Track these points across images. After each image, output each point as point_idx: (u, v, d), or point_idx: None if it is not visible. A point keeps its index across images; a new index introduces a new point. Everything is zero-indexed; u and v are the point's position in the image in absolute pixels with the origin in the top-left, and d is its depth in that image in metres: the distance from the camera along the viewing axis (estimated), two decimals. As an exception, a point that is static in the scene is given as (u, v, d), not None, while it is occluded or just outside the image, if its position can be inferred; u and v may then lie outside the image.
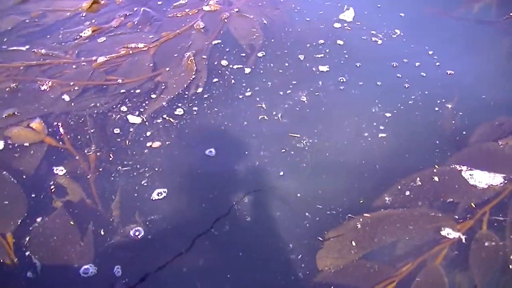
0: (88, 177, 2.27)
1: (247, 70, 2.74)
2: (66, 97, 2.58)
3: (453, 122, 2.48)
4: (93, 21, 3.07)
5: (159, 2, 3.25)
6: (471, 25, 3.10)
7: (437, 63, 2.81)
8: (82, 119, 2.49)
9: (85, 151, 2.36)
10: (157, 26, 3.04)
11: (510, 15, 3.12)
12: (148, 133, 2.44)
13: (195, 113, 2.53)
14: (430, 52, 2.88)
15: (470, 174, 2.25)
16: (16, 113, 2.49)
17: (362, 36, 2.99)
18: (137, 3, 3.23)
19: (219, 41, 2.93)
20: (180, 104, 2.57)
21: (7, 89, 2.61)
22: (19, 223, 2.10)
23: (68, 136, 2.42)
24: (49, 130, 2.44)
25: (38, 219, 2.10)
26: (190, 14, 3.10)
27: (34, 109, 2.52)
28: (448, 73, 2.75)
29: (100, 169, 2.30)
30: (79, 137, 2.42)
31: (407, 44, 2.95)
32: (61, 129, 2.44)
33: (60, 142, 2.39)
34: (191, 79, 2.67)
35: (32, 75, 2.68)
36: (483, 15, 3.16)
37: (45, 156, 2.35)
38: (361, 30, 3.04)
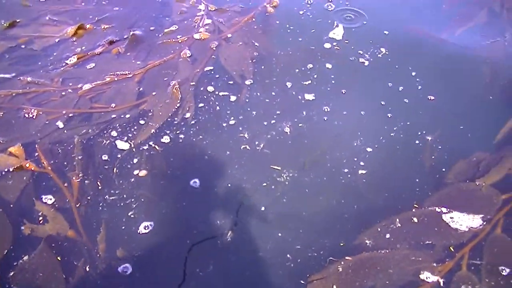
0: (77, 206, 2.22)
1: (233, 98, 2.67)
2: (52, 125, 2.51)
3: (433, 157, 2.41)
4: (83, 48, 2.96)
5: (151, 28, 3.13)
6: (453, 49, 3.00)
7: (419, 87, 2.74)
8: (70, 147, 2.42)
9: (72, 179, 2.30)
10: (145, 53, 2.94)
11: (493, 40, 3.03)
12: (135, 160, 2.38)
13: (180, 140, 2.47)
14: (413, 74, 2.81)
15: (450, 217, 2.19)
16: (0, 141, 2.42)
17: (350, 57, 2.91)
18: (124, 29, 3.12)
19: (208, 68, 2.83)
20: (166, 132, 2.50)
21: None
22: (5, 253, 2.05)
23: (54, 164, 2.36)
24: (34, 157, 2.38)
25: (24, 252, 2.05)
26: (180, 41, 2.99)
27: (19, 136, 2.46)
28: (429, 98, 2.68)
29: (88, 197, 2.25)
30: (65, 163, 2.37)
31: (391, 65, 2.87)
32: (47, 157, 2.37)
33: (49, 169, 2.33)
34: (176, 107, 2.59)
35: (18, 103, 2.60)
36: (465, 40, 3.06)
37: (29, 184, 2.29)
38: (349, 50, 2.96)
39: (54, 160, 2.38)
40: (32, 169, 2.33)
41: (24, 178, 2.30)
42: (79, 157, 2.37)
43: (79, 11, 3.27)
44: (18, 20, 3.13)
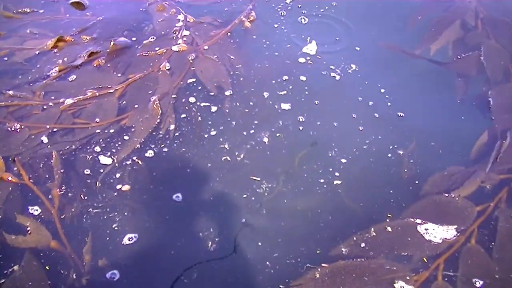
0: (61, 217, 2.22)
1: (214, 109, 2.70)
2: (35, 139, 2.51)
3: (405, 170, 2.45)
4: (65, 59, 2.94)
5: (132, 38, 3.13)
6: (425, 64, 3.04)
7: (389, 103, 2.77)
8: (51, 161, 2.42)
9: (53, 192, 2.30)
10: (125, 65, 2.93)
11: (462, 56, 3.07)
12: (118, 175, 2.39)
13: (163, 154, 2.48)
14: (382, 91, 2.83)
15: (424, 228, 2.23)
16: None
17: (322, 71, 2.95)
18: (105, 39, 3.11)
19: (188, 81, 2.85)
20: (148, 146, 2.51)
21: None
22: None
23: (36, 177, 2.37)
24: (14, 170, 2.38)
25: (10, 263, 2.06)
26: (159, 53, 2.99)
27: (0, 149, 2.45)
28: (399, 115, 2.71)
29: (72, 210, 2.26)
30: (47, 177, 2.37)
31: (361, 80, 2.91)
32: (28, 170, 2.38)
33: (29, 182, 2.34)
34: (157, 122, 2.60)
35: (0, 117, 2.59)
36: (439, 54, 3.09)
37: (11, 196, 2.30)
38: (321, 65, 2.99)
39: (35, 173, 2.38)
40: (13, 181, 2.33)
41: (6, 190, 2.30)
42: (60, 171, 2.37)
43: (62, 22, 3.28)
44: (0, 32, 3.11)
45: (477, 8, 3.41)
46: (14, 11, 3.32)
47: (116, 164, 2.43)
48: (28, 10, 3.34)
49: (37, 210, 2.25)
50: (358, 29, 3.28)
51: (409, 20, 3.36)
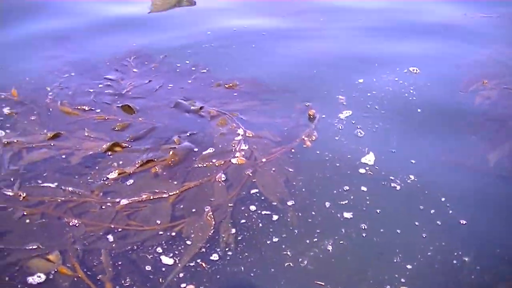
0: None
1: (275, 217, 2.81)
2: (91, 235, 2.66)
3: (472, 277, 2.51)
4: (120, 163, 3.16)
5: (189, 150, 3.32)
6: (483, 176, 3.21)
7: (450, 211, 2.88)
8: (101, 257, 2.54)
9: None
10: (183, 174, 3.11)
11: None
12: (181, 275, 2.48)
13: (227, 257, 2.58)
14: (443, 199, 2.96)
15: None
16: (40, 246, 2.56)
17: (382, 182, 3.10)
18: (159, 147, 3.34)
19: (250, 191, 3.00)
20: (209, 249, 2.62)
21: (36, 223, 2.70)
22: None
23: (92, 272, 2.47)
24: (71, 265, 2.49)
25: None
26: (217, 165, 3.18)
27: (58, 244, 2.59)
28: (461, 222, 2.81)
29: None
30: (103, 272, 2.47)
31: (421, 189, 3.05)
32: (83, 265, 2.49)
33: (85, 277, 2.44)
34: (212, 230, 2.72)
35: (59, 212, 2.77)
36: (497, 168, 3.26)
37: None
38: (380, 175, 3.15)
39: (92, 269, 2.48)
40: (69, 274, 2.44)
41: (63, 283, 2.40)
42: (118, 266, 2.50)
43: (115, 124, 3.57)
44: (61, 132, 3.40)
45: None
46: (72, 108, 3.69)
47: (179, 265, 2.52)
48: (86, 108, 3.71)
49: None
50: (412, 142, 3.52)
51: (463, 134, 3.61)
